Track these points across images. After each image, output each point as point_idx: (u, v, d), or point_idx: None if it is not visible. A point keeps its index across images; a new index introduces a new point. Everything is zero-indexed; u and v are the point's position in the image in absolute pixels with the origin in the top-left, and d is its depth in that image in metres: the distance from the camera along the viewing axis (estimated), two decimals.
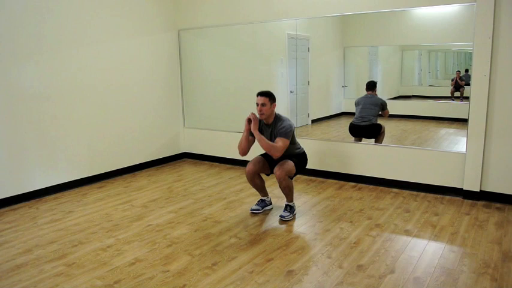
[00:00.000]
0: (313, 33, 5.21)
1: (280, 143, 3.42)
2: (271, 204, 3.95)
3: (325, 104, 5.62)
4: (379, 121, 4.81)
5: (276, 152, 3.41)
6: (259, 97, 3.50)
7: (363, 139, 4.85)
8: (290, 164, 3.52)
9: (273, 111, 3.56)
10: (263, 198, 3.90)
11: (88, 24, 4.68)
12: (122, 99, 5.17)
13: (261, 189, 3.84)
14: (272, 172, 3.74)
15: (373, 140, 4.77)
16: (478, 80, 3.84)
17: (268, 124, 3.60)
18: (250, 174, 3.66)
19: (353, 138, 4.90)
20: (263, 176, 3.91)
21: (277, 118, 3.57)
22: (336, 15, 4.60)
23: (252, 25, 5.24)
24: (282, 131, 3.46)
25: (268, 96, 3.49)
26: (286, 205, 3.70)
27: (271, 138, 3.57)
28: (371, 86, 4.87)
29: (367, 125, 4.80)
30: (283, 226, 3.48)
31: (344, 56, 5.30)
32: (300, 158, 3.70)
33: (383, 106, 4.81)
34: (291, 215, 3.65)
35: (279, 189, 4.42)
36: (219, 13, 5.42)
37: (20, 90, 4.15)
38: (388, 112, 4.81)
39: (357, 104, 4.91)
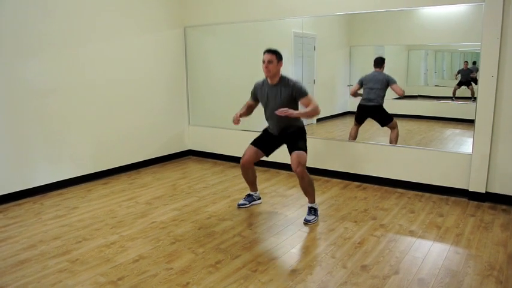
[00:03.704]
0: (320, 31, 5.19)
1: (310, 103, 3.40)
2: (259, 199, 3.99)
3: (330, 103, 5.60)
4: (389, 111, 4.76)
5: (316, 113, 3.41)
6: (266, 54, 3.43)
7: (370, 140, 4.81)
8: (303, 155, 3.43)
9: (279, 70, 3.48)
10: (251, 193, 3.95)
11: (93, 20, 4.68)
12: (127, 96, 5.16)
13: (252, 183, 3.89)
14: (269, 154, 3.74)
15: (379, 140, 4.72)
16: (486, 81, 3.80)
17: (274, 84, 3.52)
18: (245, 166, 3.72)
19: (357, 126, 4.86)
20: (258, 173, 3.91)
21: (283, 78, 3.50)
22: (343, 14, 4.57)
23: (258, 23, 5.21)
24: (301, 92, 3.42)
25: (275, 53, 3.43)
26: (310, 208, 3.58)
27: (280, 98, 3.48)
28: (379, 62, 4.75)
29: (374, 105, 4.74)
30: (288, 225, 3.47)
31: (350, 55, 5.28)
32: (303, 136, 3.59)
33: (389, 81, 4.66)
34: (316, 218, 3.55)
35: (281, 188, 4.41)
36: (225, 10, 5.40)
37: (25, 86, 4.15)
38: (400, 88, 4.67)
39: (363, 82, 4.82)
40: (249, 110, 3.77)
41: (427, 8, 4.16)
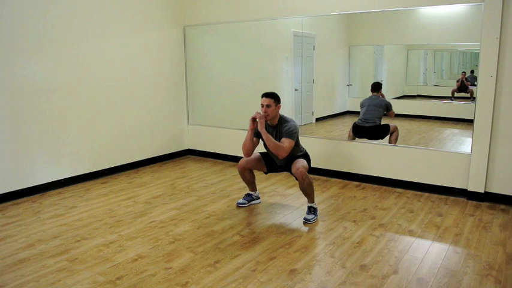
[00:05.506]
0: (319, 31, 5.19)
1: (286, 143, 3.42)
2: (258, 199, 4.00)
3: (329, 103, 5.60)
4: (387, 121, 4.77)
5: (282, 152, 3.40)
6: (264, 98, 3.50)
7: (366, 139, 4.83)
8: (303, 161, 3.54)
9: (277, 112, 3.55)
10: (250, 192, 3.97)
11: (93, 19, 4.67)
12: (127, 95, 5.16)
13: (251, 183, 3.91)
14: (269, 171, 3.81)
15: (378, 140, 4.73)
16: (485, 81, 3.81)
17: (272, 125, 3.60)
18: (243, 168, 3.76)
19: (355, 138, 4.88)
20: (260, 172, 3.92)
21: (282, 119, 3.57)
22: (342, 14, 4.57)
23: (258, 22, 5.21)
24: (288, 132, 3.47)
25: (273, 97, 3.49)
26: (309, 207, 3.61)
27: (278, 139, 3.55)
28: (376, 87, 4.84)
29: (371, 126, 4.78)
30: (287, 225, 3.47)
31: (349, 55, 5.28)
32: (306, 158, 3.69)
33: (387, 107, 4.78)
34: (316, 217, 3.57)
35: (281, 188, 4.41)
36: (224, 10, 5.40)
37: (25, 85, 4.15)
38: (394, 113, 4.79)
39: (362, 105, 4.89)
40: (253, 142, 3.70)
41: (427, 8, 4.16)
